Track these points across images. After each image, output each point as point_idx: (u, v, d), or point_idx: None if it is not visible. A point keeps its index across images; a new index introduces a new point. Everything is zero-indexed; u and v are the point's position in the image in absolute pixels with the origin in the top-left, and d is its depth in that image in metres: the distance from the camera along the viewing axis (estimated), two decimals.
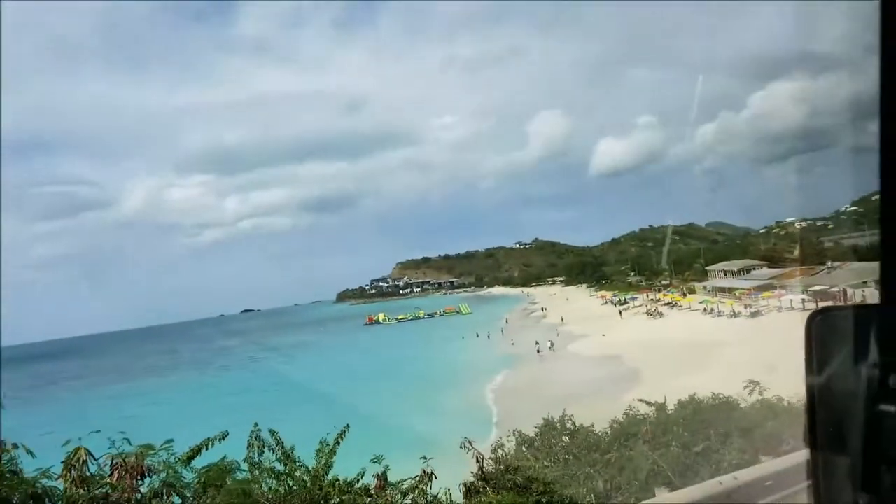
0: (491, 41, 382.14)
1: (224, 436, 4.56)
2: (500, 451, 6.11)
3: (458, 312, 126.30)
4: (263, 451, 4.62)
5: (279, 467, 4.67)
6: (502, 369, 47.60)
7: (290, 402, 44.91)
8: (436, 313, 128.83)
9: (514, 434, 6.44)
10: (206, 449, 4.46)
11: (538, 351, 53.27)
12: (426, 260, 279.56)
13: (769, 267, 70.07)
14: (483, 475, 6.23)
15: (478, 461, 6.20)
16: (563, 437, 6.80)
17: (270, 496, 4.23)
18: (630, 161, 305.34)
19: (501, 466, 6.48)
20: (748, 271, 71.94)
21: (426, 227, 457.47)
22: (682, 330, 51.49)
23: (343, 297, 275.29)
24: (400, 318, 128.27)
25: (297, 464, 4.63)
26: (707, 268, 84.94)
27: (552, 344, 54.69)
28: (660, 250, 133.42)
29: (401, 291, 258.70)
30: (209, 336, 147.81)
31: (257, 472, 4.48)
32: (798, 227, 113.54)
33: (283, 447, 4.76)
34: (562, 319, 76.22)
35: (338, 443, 4.87)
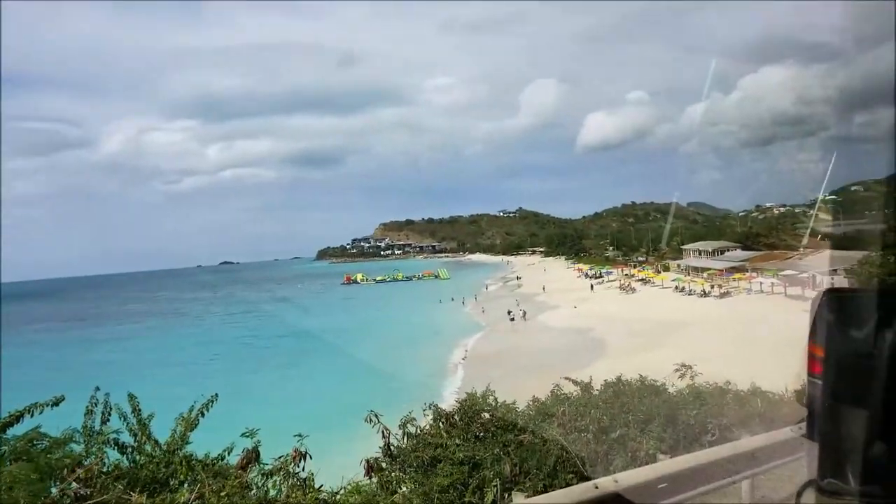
0: (493, 5, 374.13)
1: (58, 401, 3.94)
2: (408, 425, 5.70)
3: (436, 277, 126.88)
4: (108, 419, 4.10)
5: (126, 439, 4.15)
6: (474, 335, 47.92)
7: (257, 357, 45.03)
8: (414, 276, 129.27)
9: (429, 407, 6.05)
10: (31, 415, 3.85)
11: (511, 319, 53.86)
12: (409, 222, 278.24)
13: (743, 249, 70.76)
14: (389, 451, 5.85)
15: (384, 436, 5.81)
16: (484, 414, 6.41)
17: (105, 470, 3.70)
18: (618, 136, 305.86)
19: (414, 442, 6.09)
20: (723, 252, 72.63)
21: (412, 189, 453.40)
22: (650, 306, 52.23)
23: (323, 254, 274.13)
24: (378, 279, 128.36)
25: (148, 437, 4.12)
26: (683, 246, 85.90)
27: (524, 313, 55.22)
28: (639, 227, 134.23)
29: (382, 252, 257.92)
30: (185, 286, 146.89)
31: (94, 444, 3.94)
32: (777, 212, 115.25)
33: (138, 415, 4.24)
34: (543, 289, 76.83)
35: (201, 413, 4.36)
